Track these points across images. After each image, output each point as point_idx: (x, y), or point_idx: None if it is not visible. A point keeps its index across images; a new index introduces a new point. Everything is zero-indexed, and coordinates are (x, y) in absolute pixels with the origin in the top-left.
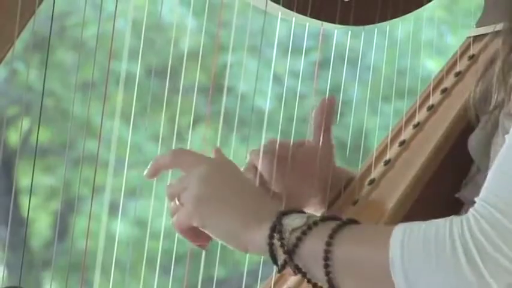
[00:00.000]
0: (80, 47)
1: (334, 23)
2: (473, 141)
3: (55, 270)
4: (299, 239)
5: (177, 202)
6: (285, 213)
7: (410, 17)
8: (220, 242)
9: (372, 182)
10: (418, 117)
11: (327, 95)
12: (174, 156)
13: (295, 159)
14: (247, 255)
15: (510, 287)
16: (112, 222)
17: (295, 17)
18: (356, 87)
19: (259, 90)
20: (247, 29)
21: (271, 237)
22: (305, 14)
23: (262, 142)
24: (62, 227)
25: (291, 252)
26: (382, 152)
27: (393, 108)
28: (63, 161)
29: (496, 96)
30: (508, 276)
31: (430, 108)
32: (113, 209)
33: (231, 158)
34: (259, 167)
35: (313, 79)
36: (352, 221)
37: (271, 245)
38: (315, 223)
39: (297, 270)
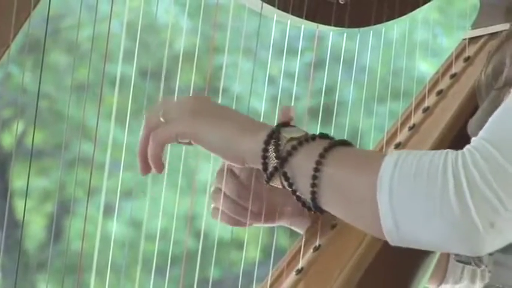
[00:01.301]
0: (75, 49)
1: (329, 25)
2: (473, 124)
3: (50, 273)
4: (294, 148)
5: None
6: (284, 125)
7: (405, 18)
8: (215, 244)
9: None
10: (414, 119)
11: (322, 96)
12: (160, 107)
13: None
14: (243, 256)
15: (492, 225)
16: (107, 224)
17: (290, 19)
18: (351, 88)
19: (254, 92)
20: (242, 31)
21: (267, 143)
22: (300, 16)
23: None
24: (56, 229)
25: (283, 159)
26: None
27: (388, 109)
28: (57, 163)
29: (506, 74)
30: (492, 214)
31: (426, 110)
32: (108, 210)
33: None
34: (225, 189)
35: (308, 80)
36: (348, 143)
37: (265, 151)
38: (313, 137)
39: (284, 178)
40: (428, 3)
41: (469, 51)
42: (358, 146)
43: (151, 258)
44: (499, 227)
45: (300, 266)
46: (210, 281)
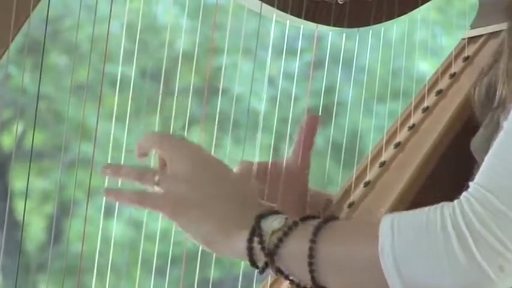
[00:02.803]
0: (74, 50)
1: (328, 25)
2: (476, 142)
3: (50, 274)
4: (280, 240)
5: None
6: (262, 216)
7: (404, 18)
8: None
9: (367, 184)
10: (413, 119)
11: (321, 96)
12: (164, 139)
13: (270, 179)
14: None
15: (502, 269)
16: (107, 225)
17: (289, 20)
18: (350, 88)
19: (254, 92)
20: (241, 31)
21: (250, 241)
22: (300, 17)
23: (257, 144)
24: (56, 231)
25: (272, 254)
26: (377, 154)
27: (388, 109)
28: (57, 164)
29: (499, 94)
30: (499, 258)
31: (425, 110)
32: (108, 211)
33: (225, 160)
34: None
35: (308, 80)
36: (333, 218)
37: (250, 249)
38: (295, 223)
39: (278, 272)
40: (428, 3)
41: (469, 51)
42: (357, 147)
43: (151, 259)
44: (507, 269)
45: None
46: (210, 281)
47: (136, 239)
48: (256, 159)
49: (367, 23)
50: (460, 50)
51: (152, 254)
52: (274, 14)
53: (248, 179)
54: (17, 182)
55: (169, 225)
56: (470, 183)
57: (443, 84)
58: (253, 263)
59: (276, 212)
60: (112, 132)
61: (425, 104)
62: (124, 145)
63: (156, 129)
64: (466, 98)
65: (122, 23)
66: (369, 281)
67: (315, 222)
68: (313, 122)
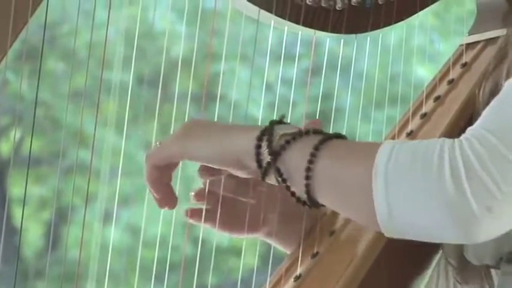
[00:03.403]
0: (72, 56)
1: (326, 31)
2: None
3: (48, 280)
4: (287, 142)
5: None
6: (277, 123)
7: (402, 24)
8: (213, 250)
9: None
10: (411, 125)
11: (319, 103)
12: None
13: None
14: (241, 263)
15: (489, 210)
16: (105, 231)
17: (287, 26)
18: (348, 94)
19: (252, 98)
20: (239, 37)
21: (259, 139)
22: (297, 23)
23: None
24: (54, 237)
25: (276, 154)
26: None
27: (386, 115)
28: (55, 171)
29: None
30: (489, 198)
31: (423, 116)
32: (106, 218)
33: None
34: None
35: (305, 86)
36: (341, 136)
37: (258, 147)
38: (307, 132)
39: (278, 174)
40: (425, 9)
41: (467, 57)
42: None
43: (149, 265)
44: (495, 212)
45: (298, 272)
46: (209, 287)
47: (134, 245)
48: None
49: (365, 29)
50: (458, 56)
51: (150, 260)
52: (272, 20)
53: None
54: (15, 188)
55: (168, 231)
56: (469, 128)
57: (441, 90)
58: (259, 164)
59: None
60: (109, 139)
61: (423, 110)
62: (122, 151)
63: (154, 135)
64: (464, 104)
65: (119, 29)
66: (359, 202)
67: (324, 135)
68: (313, 127)
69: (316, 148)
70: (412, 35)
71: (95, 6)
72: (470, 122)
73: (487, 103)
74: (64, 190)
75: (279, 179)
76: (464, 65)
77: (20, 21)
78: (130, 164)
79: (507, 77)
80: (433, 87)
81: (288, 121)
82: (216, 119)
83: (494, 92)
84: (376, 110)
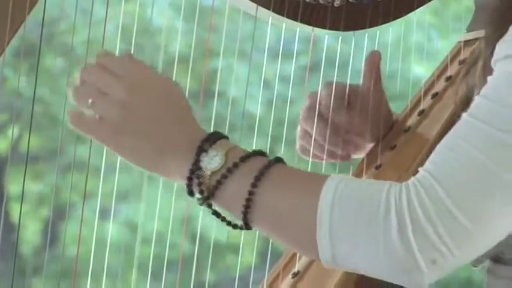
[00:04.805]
0: (70, 53)
1: (324, 28)
2: None
3: (46, 277)
4: (219, 183)
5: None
6: (203, 150)
7: (400, 21)
8: (211, 247)
9: None
10: (409, 122)
11: (317, 99)
12: (103, 58)
13: (351, 97)
14: (239, 260)
15: (434, 262)
16: (103, 227)
17: (285, 23)
18: (346, 91)
19: (250, 95)
20: (237, 34)
21: (189, 179)
22: (295, 20)
23: (253, 147)
24: (52, 234)
25: (209, 196)
26: (374, 156)
27: None
28: (53, 167)
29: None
30: (434, 252)
31: (421, 113)
32: (104, 214)
33: None
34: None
35: (303, 83)
36: (279, 160)
37: (189, 186)
38: (235, 165)
39: (214, 213)
40: (423, 6)
41: (464, 54)
42: None
43: (147, 262)
44: (440, 263)
45: (296, 269)
46: (206, 284)
47: (132, 242)
48: None
49: (363, 26)
50: (456, 53)
51: (148, 257)
52: (270, 17)
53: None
54: (13, 185)
55: (165, 228)
56: (420, 168)
57: (439, 87)
58: (192, 194)
59: (217, 137)
60: None
61: (421, 107)
62: None
63: None
64: (462, 101)
65: (117, 25)
66: (302, 239)
67: (259, 164)
68: (373, 58)
69: (254, 185)
70: (410, 32)
71: (92, 2)
72: None
73: (463, 108)
74: (62, 187)
75: (215, 215)
76: (462, 61)
77: (18, 19)
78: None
79: (479, 83)
80: (431, 84)
81: (286, 119)
82: (214, 115)
83: (469, 95)
84: None
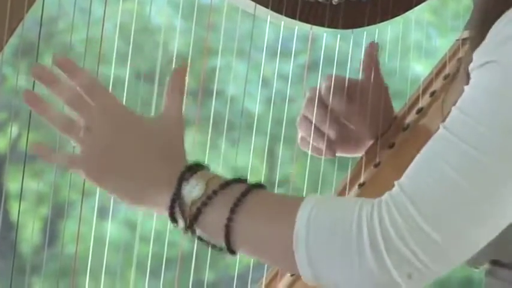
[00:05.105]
0: (68, 52)
1: (323, 26)
2: None
3: (45, 276)
4: (199, 211)
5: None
6: (184, 178)
7: (398, 19)
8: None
9: (361, 185)
10: (408, 120)
11: (316, 97)
12: (92, 85)
13: (351, 89)
14: (238, 259)
15: (410, 276)
16: (101, 226)
17: (284, 21)
18: (345, 90)
19: (248, 94)
20: (235, 33)
21: (171, 207)
22: (294, 18)
23: (252, 145)
24: (51, 232)
25: (191, 224)
26: (372, 154)
27: None
28: (52, 166)
29: None
30: (409, 267)
31: (420, 111)
32: (103, 212)
33: (220, 161)
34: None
35: (302, 82)
36: (257, 186)
37: (172, 215)
38: (214, 192)
39: (199, 239)
40: (422, 4)
41: (463, 52)
42: None
43: (145, 260)
44: (416, 277)
45: None
46: (205, 283)
47: (131, 240)
48: (250, 160)
49: (361, 24)
50: (455, 51)
51: (147, 256)
52: (268, 15)
53: (175, 124)
54: (12, 183)
55: (164, 226)
56: (395, 182)
57: (437, 85)
58: (176, 223)
59: (198, 168)
60: None
61: (419, 105)
62: None
63: None
64: None
65: (115, 24)
66: (283, 261)
67: (237, 192)
68: (372, 49)
69: (232, 211)
70: (408, 30)
71: (91, 1)
72: None
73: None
74: (61, 185)
75: (200, 241)
76: (461, 60)
77: (16, 17)
78: None
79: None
80: (429, 82)
81: (284, 117)
82: (212, 114)
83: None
84: None
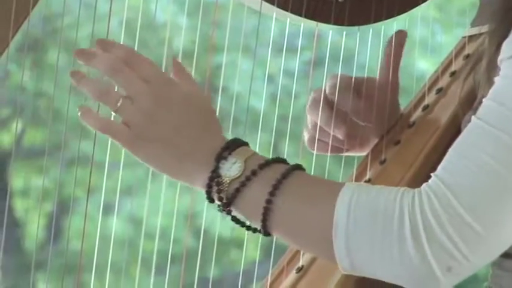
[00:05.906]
0: (74, 48)
1: (329, 23)
2: None
3: (50, 272)
4: (237, 191)
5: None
6: (222, 157)
7: (404, 16)
8: (215, 242)
9: (367, 182)
10: (414, 117)
11: (321, 94)
12: (131, 55)
13: (357, 86)
14: (243, 255)
15: (449, 269)
16: (107, 222)
17: (289, 18)
18: (351, 87)
19: (253, 90)
20: (241, 29)
21: (209, 185)
22: (300, 15)
23: (257, 142)
24: (56, 229)
25: (229, 203)
26: (378, 151)
27: None
28: (56, 162)
29: (480, 96)
30: (449, 260)
31: (426, 108)
32: (108, 209)
33: None
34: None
35: (308, 78)
36: (296, 168)
37: (209, 193)
38: (254, 173)
39: (233, 219)
40: (428, 1)
41: (469, 49)
42: None
43: (150, 257)
44: (455, 270)
45: (300, 264)
46: (210, 279)
47: (136, 236)
48: None
49: (367, 21)
50: (461, 48)
51: (152, 252)
52: (274, 12)
53: (208, 100)
54: (17, 180)
55: (169, 223)
56: (432, 174)
57: (443, 82)
58: (212, 201)
59: (237, 145)
60: None
61: (425, 102)
62: None
63: None
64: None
65: (120, 20)
66: (318, 247)
67: (277, 172)
68: (401, 37)
69: (272, 194)
70: (414, 27)
71: None
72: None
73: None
74: (66, 182)
75: (234, 221)
76: (467, 57)
77: (22, 14)
78: (132, 156)
79: (482, 80)
80: (435, 79)
81: (290, 114)
82: (218, 111)
83: (471, 97)
84: None
